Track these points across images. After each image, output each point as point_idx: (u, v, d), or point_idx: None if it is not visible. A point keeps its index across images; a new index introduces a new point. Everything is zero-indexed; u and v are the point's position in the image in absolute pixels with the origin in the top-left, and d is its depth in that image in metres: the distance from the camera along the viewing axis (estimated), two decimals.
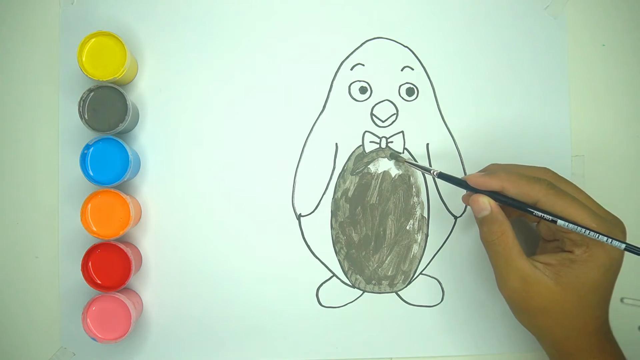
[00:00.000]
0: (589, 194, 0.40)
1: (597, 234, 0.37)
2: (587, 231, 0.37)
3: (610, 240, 0.36)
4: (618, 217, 0.40)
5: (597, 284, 0.39)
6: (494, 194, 0.40)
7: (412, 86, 0.47)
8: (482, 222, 0.40)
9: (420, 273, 0.47)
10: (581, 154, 0.48)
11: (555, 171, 0.41)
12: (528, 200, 0.39)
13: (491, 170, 0.42)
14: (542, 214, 0.38)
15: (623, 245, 0.36)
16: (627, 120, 0.49)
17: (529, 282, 0.39)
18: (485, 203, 0.40)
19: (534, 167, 0.42)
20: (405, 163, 0.46)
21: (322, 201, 0.47)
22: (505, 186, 0.39)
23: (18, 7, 0.46)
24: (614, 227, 0.38)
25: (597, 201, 0.40)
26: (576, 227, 0.37)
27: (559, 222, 0.37)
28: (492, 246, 0.40)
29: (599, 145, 0.48)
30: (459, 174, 0.47)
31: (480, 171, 0.43)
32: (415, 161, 0.47)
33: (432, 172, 0.43)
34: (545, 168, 0.41)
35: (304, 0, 0.47)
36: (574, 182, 0.41)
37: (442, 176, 0.42)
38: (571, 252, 0.39)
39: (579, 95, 0.48)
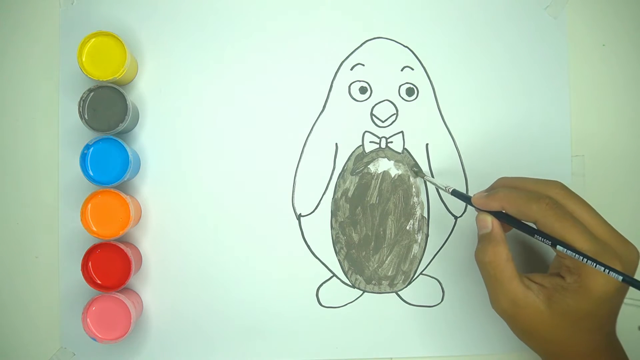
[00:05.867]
0: (598, 212, 0.38)
1: (594, 263, 0.34)
2: (582, 258, 0.34)
3: (607, 270, 0.33)
4: (631, 241, 0.37)
5: (591, 313, 0.36)
6: (499, 213, 0.39)
7: (412, 86, 0.47)
8: (479, 240, 0.40)
9: (421, 273, 0.47)
10: (581, 154, 0.48)
11: (565, 185, 0.38)
12: (528, 220, 0.37)
13: (495, 186, 0.41)
14: (541, 238, 0.36)
15: (621, 277, 0.32)
16: (627, 120, 0.48)
17: (519, 305, 0.37)
18: (488, 221, 0.39)
19: (543, 181, 0.39)
20: (425, 178, 0.46)
21: (322, 201, 0.47)
22: (504, 206, 0.38)
23: (18, 7, 0.46)
24: (612, 255, 0.35)
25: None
26: (572, 253, 0.35)
27: (557, 246, 0.35)
28: (484, 266, 0.39)
29: (599, 145, 0.48)
30: (459, 174, 0.47)
31: (486, 190, 0.41)
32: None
33: (446, 189, 0.43)
34: (555, 182, 0.38)
35: (303, 0, 0.47)
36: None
37: (455, 193, 0.42)
38: (563, 279, 0.37)
39: (579, 95, 0.48)
